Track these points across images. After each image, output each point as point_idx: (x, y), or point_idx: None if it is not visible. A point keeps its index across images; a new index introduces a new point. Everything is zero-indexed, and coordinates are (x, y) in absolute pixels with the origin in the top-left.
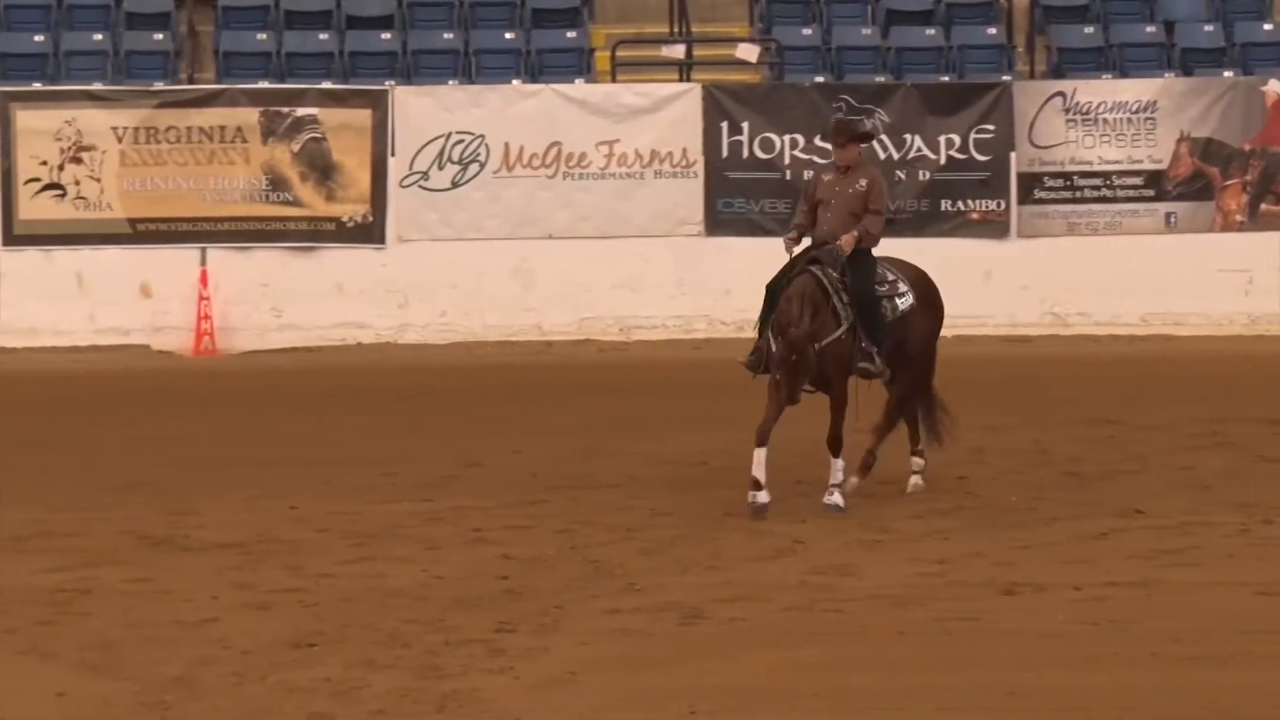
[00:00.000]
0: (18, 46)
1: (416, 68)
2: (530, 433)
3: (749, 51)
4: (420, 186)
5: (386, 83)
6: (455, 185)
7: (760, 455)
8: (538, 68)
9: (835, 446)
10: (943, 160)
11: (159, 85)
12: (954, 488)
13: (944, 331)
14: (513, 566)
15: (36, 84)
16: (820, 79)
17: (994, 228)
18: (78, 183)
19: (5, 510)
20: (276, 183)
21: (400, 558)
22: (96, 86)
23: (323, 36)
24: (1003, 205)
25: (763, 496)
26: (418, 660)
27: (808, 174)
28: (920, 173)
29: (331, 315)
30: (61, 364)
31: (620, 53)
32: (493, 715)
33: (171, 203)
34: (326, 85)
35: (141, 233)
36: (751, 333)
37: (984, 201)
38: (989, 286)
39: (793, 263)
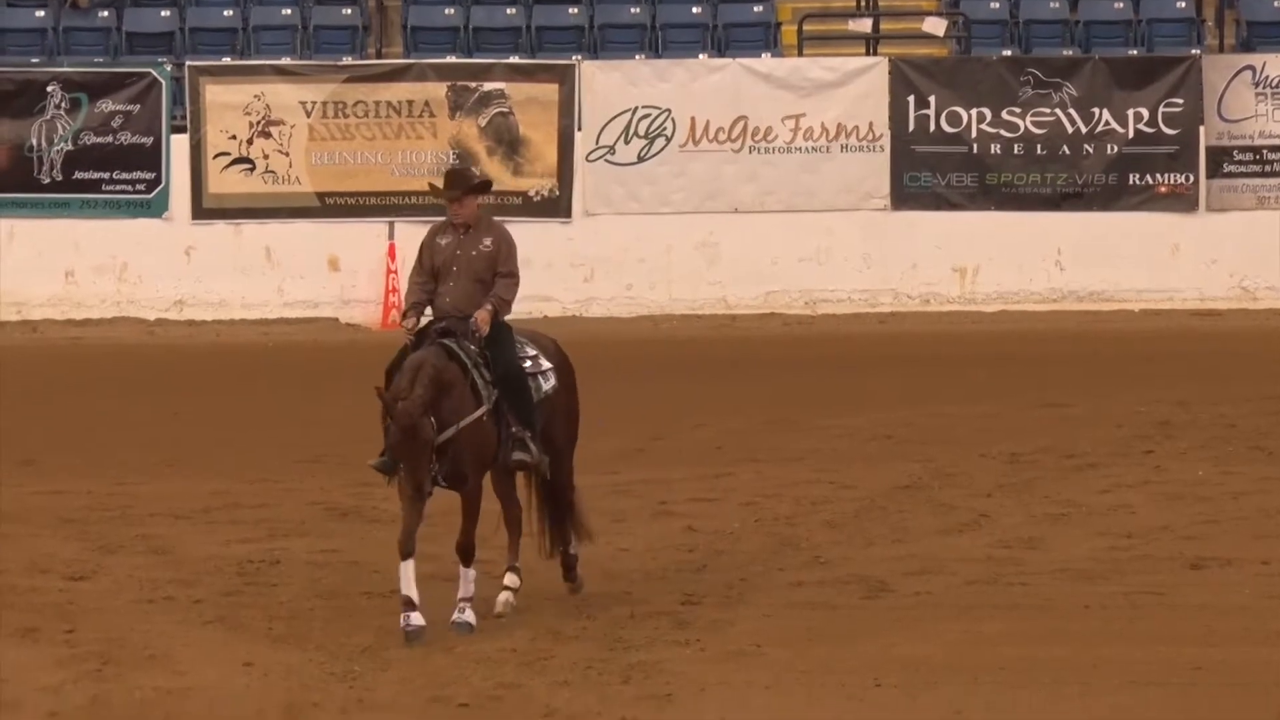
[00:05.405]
0: (207, 21)
1: (603, 42)
2: (715, 406)
3: (936, 25)
4: (606, 161)
5: (573, 57)
6: (641, 159)
7: (407, 570)
8: (724, 42)
9: (466, 555)
10: (1131, 134)
11: (347, 60)
12: (1141, 462)
13: (1133, 305)
14: (698, 539)
15: (226, 59)
16: (1008, 52)
17: (1182, 201)
18: (266, 157)
19: (193, 482)
20: (464, 157)
21: None
22: (285, 61)
23: (510, 11)
24: (1191, 179)
25: (416, 618)
26: (603, 632)
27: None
28: (1108, 146)
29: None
30: (250, 336)
31: (807, 26)
32: (678, 687)
33: (359, 177)
34: (514, 60)
35: (330, 206)
36: (938, 306)
37: (1172, 175)
38: (1177, 260)
39: (418, 341)
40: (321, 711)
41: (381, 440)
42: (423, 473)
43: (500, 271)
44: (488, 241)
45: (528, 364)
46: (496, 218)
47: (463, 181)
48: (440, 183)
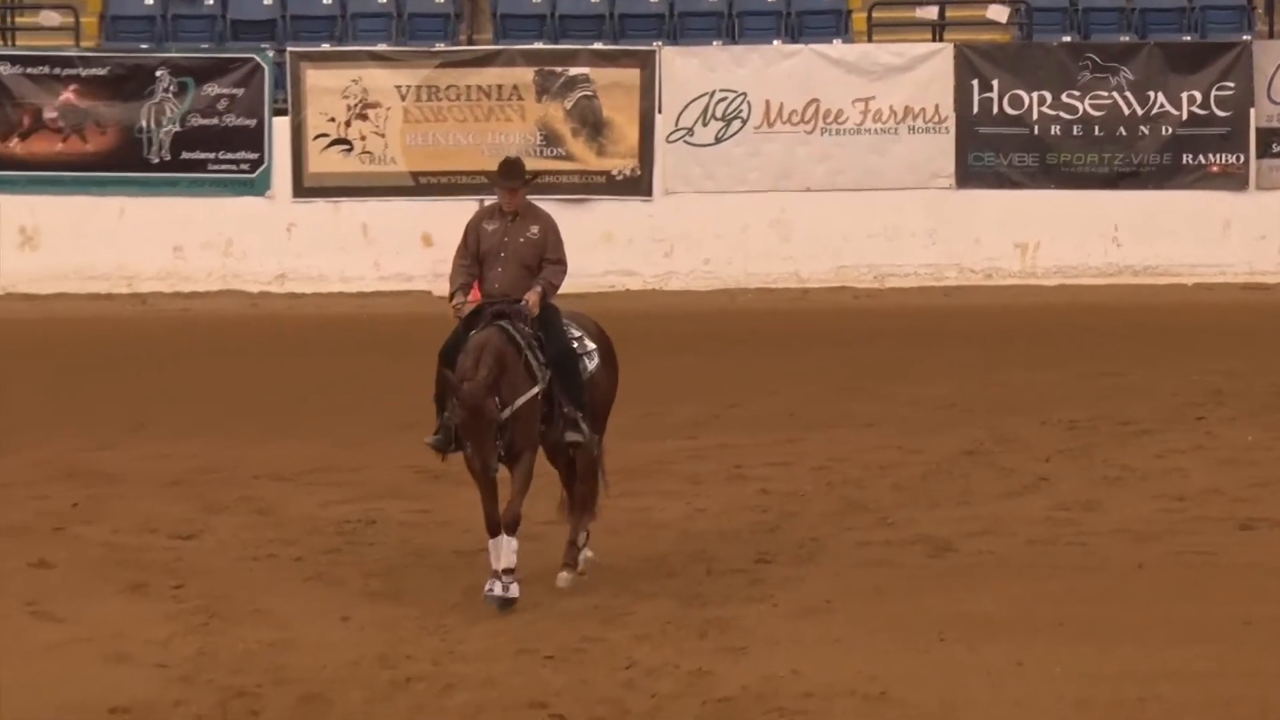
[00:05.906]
0: (307, 9)
1: (683, 29)
2: (788, 375)
3: (999, 12)
4: (685, 142)
5: (654, 43)
6: (718, 140)
7: (494, 546)
8: (798, 28)
9: (512, 525)
10: (1184, 116)
11: (440, 46)
12: (1194, 428)
13: (1186, 279)
14: (771, 501)
15: (325, 45)
16: (1067, 38)
17: (1233, 180)
18: (363, 138)
19: (294, 446)
20: (550, 138)
21: (665, 492)
22: (381, 47)
23: None
24: (1242, 159)
25: (498, 588)
26: (681, 589)
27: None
28: (1163, 128)
29: (601, 263)
30: (347, 308)
31: (876, 14)
32: (752, 642)
33: (451, 157)
34: (598, 46)
35: (423, 185)
36: (1001, 280)
37: (1224, 155)
38: (1228, 237)
39: (470, 322)
40: (414, 663)
41: (434, 417)
42: (489, 451)
43: (549, 258)
44: (534, 229)
45: (574, 345)
46: (580, 197)
47: (521, 173)
48: (496, 172)
